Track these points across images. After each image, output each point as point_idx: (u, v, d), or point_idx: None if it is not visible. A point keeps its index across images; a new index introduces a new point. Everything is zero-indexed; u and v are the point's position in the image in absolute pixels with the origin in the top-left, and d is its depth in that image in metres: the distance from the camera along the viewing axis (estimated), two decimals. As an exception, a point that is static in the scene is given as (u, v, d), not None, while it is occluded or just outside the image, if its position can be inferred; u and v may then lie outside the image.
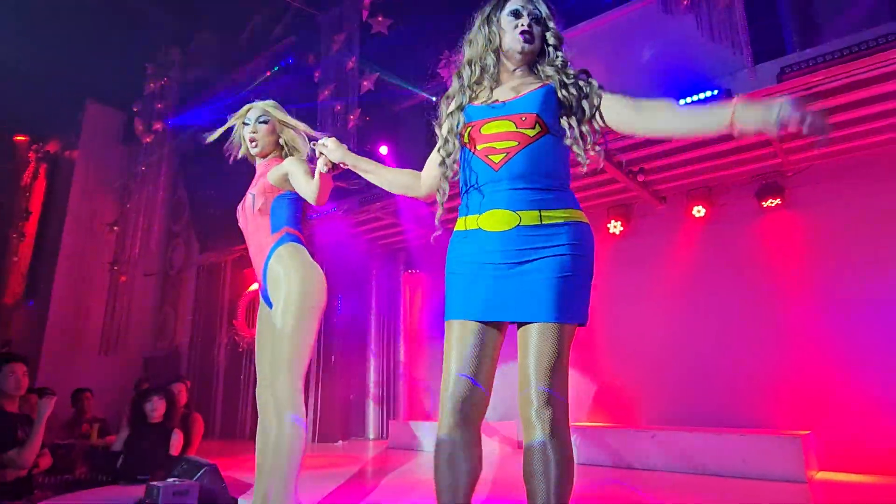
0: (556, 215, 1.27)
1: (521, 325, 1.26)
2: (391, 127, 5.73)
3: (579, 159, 1.31)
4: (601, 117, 1.33)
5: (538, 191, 1.27)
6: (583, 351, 4.87)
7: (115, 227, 7.47)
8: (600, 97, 1.33)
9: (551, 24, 1.40)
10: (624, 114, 1.31)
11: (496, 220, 1.27)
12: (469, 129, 1.35)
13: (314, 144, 1.71)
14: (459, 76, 1.42)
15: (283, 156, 2.17)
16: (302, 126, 2.18)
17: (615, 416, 4.56)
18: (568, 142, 1.32)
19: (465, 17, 1.48)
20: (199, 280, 7.47)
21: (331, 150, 1.63)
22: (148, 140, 7.22)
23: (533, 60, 1.41)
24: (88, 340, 7.24)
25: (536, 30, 1.38)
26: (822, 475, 3.35)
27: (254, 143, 2.14)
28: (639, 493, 3.05)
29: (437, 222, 1.38)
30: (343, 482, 3.33)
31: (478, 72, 1.39)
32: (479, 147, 1.32)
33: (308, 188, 1.87)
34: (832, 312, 3.78)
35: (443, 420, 1.24)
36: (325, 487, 3.10)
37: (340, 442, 5.71)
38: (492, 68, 1.39)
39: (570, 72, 1.37)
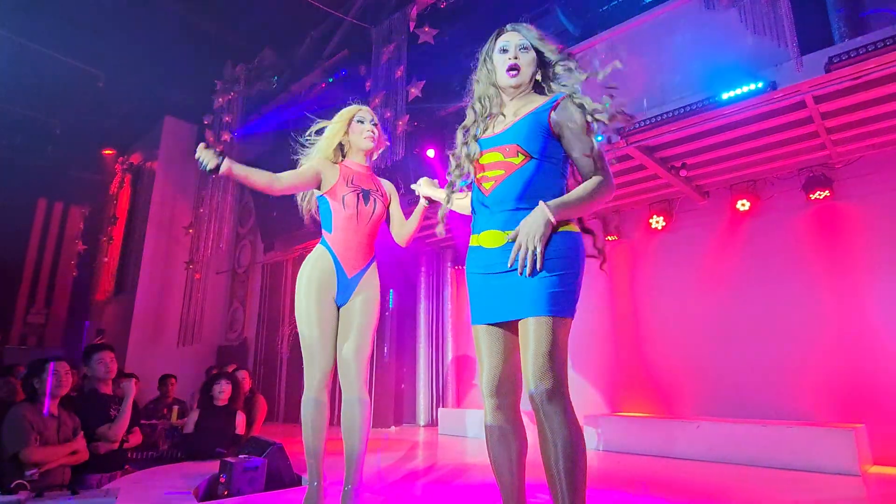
0: None
1: (521, 321, 1.38)
2: (437, 131, 5.93)
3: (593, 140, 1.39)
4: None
5: (523, 211, 1.39)
6: (628, 342, 4.94)
7: (191, 230, 7.93)
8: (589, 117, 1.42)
9: (544, 46, 1.49)
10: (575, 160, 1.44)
11: (490, 239, 1.44)
12: (477, 157, 1.49)
13: (413, 186, 2.09)
14: (474, 109, 1.55)
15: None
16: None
17: (660, 406, 4.57)
18: (575, 154, 1.42)
19: (503, 25, 1.57)
20: (264, 277, 8.01)
21: (422, 186, 2.02)
22: (217, 150, 7.73)
23: (535, 82, 1.51)
24: (168, 331, 7.81)
25: (525, 58, 1.49)
26: (875, 469, 3.27)
27: (374, 143, 2.20)
28: (682, 482, 3.03)
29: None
30: (394, 462, 3.52)
31: (488, 105, 1.53)
32: (478, 175, 1.49)
33: (402, 229, 2.19)
34: (884, 304, 3.68)
35: (485, 407, 1.45)
36: (382, 468, 3.30)
37: (393, 427, 5.94)
38: (495, 99, 1.53)
39: (567, 88, 1.45)
